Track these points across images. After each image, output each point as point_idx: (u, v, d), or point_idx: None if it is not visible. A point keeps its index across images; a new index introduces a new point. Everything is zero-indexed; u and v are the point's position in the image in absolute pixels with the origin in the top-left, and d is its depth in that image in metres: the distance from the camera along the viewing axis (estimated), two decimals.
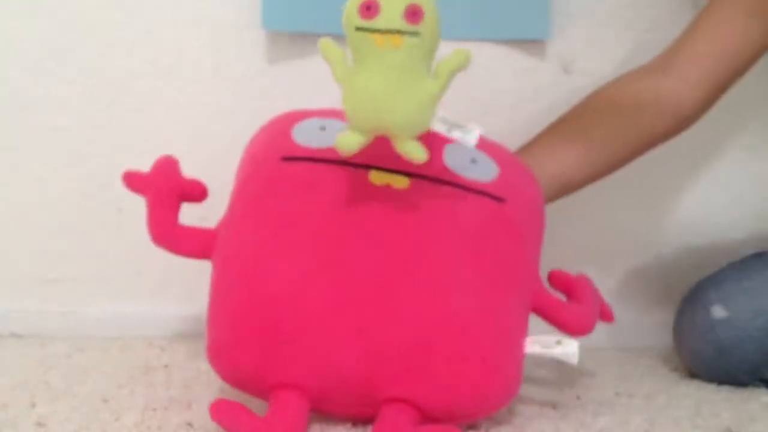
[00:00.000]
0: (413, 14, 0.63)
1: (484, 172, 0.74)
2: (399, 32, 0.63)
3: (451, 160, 0.74)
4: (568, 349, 0.69)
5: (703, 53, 0.85)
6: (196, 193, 0.77)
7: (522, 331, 0.72)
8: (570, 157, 0.85)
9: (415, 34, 0.63)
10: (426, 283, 0.67)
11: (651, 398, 0.81)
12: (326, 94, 0.96)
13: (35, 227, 0.98)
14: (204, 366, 0.85)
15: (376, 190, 0.70)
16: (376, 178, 0.71)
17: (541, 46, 0.97)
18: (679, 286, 0.90)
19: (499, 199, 0.73)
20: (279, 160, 0.74)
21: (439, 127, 0.67)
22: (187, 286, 0.97)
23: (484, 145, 0.75)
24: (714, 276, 0.88)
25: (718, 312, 0.84)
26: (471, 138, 0.68)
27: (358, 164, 0.71)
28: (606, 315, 0.81)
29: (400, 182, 0.71)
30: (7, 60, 0.95)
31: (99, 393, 0.77)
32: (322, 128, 0.75)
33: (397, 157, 0.67)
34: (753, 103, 0.94)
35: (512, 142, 0.98)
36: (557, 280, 0.80)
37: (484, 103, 0.96)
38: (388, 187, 0.70)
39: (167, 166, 0.76)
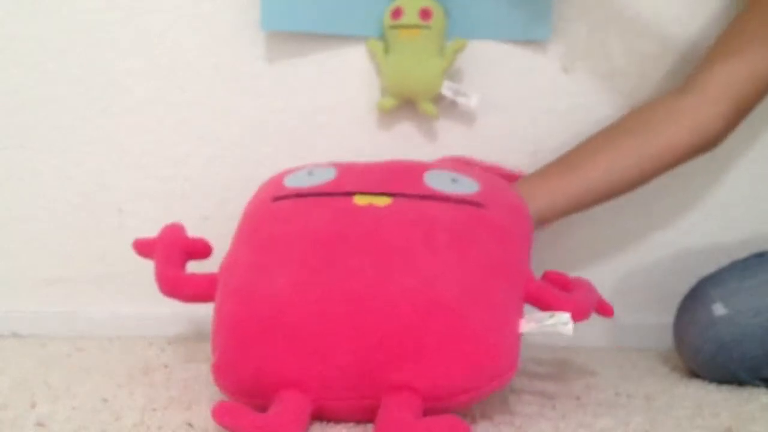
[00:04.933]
0: (425, 14, 0.91)
1: (464, 187, 0.80)
2: (416, 26, 0.91)
3: (431, 181, 0.80)
4: (561, 318, 0.70)
5: (724, 69, 0.86)
6: (201, 250, 0.84)
7: (514, 312, 0.73)
8: (561, 186, 0.86)
9: (426, 27, 0.91)
10: (411, 275, 0.70)
11: (651, 398, 0.80)
12: (324, 94, 0.97)
13: (35, 227, 0.98)
14: (204, 366, 0.85)
15: (359, 208, 0.76)
16: (360, 200, 0.77)
17: (541, 46, 0.97)
18: (679, 287, 0.90)
19: (478, 205, 0.77)
20: (270, 201, 0.80)
21: (447, 93, 0.92)
22: None
23: (465, 169, 0.85)
24: (715, 274, 0.88)
25: (719, 309, 0.84)
26: (472, 101, 0.92)
27: (342, 193, 0.78)
28: (605, 310, 0.82)
29: (383, 201, 0.76)
30: (7, 60, 0.95)
31: (99, 393, 0.77)
32: (310, 173, 0.83)
33: (378, 184, 0.79)
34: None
35: (512, 142, 0.99)
36: (553, 278, 0.82)
37: (484, 103, 0.96)
38: (371, 205, 0.76)
39: (172, 229, 0.83)
